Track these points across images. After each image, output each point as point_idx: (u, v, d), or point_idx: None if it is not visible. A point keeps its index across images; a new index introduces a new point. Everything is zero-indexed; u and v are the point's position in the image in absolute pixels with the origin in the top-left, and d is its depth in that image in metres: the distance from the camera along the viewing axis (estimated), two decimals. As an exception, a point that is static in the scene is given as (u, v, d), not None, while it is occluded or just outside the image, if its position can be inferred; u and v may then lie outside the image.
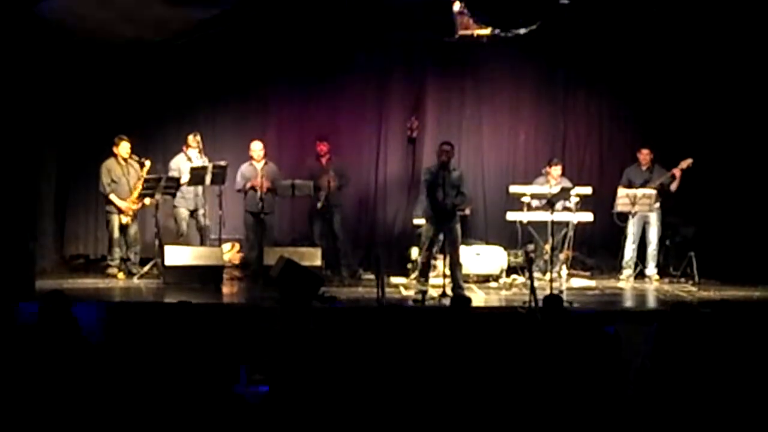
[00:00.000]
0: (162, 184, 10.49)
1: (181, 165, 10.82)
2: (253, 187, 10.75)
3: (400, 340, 5.71)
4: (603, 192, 11.40)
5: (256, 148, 10.95)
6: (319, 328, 7.61)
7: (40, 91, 9.63)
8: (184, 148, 10.93)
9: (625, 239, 11.13)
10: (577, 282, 10.92)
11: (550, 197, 10.22)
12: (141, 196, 10.65)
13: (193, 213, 10.94)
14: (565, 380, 5.35)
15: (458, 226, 9.62)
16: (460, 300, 6.93)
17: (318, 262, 10.30)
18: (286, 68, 11.93)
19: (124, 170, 10.76)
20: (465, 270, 10.00)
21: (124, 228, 10.76)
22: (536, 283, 8.33)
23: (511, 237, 11.02)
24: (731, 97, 11.51)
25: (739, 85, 11.40)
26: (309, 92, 12.13)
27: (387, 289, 8.94)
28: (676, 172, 11.00)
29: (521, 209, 10.79)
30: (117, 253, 10.76)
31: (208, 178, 10.53)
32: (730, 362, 5.23)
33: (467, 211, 10.91)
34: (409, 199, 11.78)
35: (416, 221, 10.90)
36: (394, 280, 10.58)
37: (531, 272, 8.72)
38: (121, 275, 10.68)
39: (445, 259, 9.63)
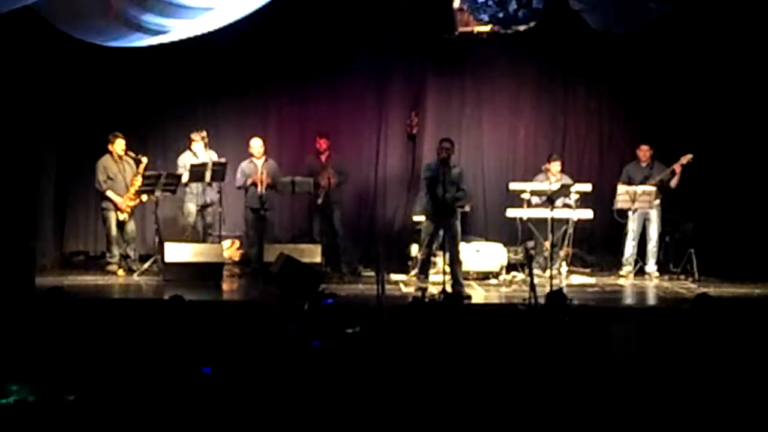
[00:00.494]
0: (162, 181, 10.49)
1: (187, 162, 10.82)
2: (253, 184, 10.75)
3: (401, 337, 5.72)
4: (603, 189, 11.39)
5: (256, 145, 10.96)
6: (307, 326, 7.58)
7: (41, 89, 9.64)
8: (189, 144, 10.94)
9: (625, 236, 11.12)
10: (577, 279, 10.92)
11: (550, 194, 10.23)
12: (139, 193, 10.65)
13: (202, 209, 10.94)
14: (565, 376, 5.36)
15: (458, 223, 9.62)
16: (453, 297, 6.93)
17: (318, 259, 10.29)
18: (286, 65, 11.91)
19: (119, 167, 10.75)
20: (465, 267, 9.99)
21: (121, 225, 10.75)
22: (536, 280, 8.30)
23: (511, 234, 11.03)
24: (730, 94, 11.49)
25: (739, 82, 11.39)
26: (309, 89, 12.11)
27: (387, 286, 8.93)
28: (677, 167, 10.99)
29: (521, 206, 10.80)
30: (116, 250, 10.75)
31: (207, 175, 10.54)
32: (732, 358, 5.25)
33: (467, 208, 10.88)
34: (409, 196, 11.78)
35: (416, 218, 10.89)
36: (394, 276, 10.57)
37: (531, 269, 8.69)
38: (121, 272, 10.68)
39: (444, 256, 9.62)
